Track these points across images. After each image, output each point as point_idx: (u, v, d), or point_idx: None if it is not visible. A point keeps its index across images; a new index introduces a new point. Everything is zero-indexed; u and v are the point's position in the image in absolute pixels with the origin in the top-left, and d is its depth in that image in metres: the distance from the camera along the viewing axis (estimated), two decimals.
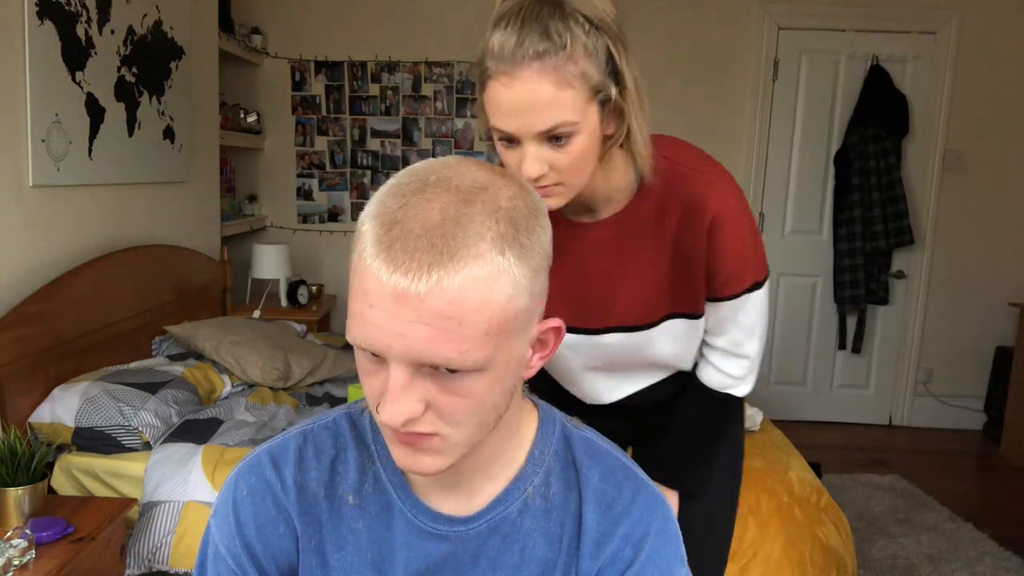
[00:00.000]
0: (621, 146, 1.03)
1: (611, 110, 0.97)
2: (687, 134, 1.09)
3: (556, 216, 1.09)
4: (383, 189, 0.63)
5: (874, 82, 3.95)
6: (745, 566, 2.03)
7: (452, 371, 0.59)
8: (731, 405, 1.27)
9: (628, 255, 1.14)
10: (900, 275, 4.13)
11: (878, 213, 3.96)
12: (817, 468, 2.68)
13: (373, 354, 0.60)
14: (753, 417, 2.49)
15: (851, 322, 4.16)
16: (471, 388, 0.61)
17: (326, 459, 0.75)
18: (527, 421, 0.76)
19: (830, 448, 3.75)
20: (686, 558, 0.76)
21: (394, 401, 0.59)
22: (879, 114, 3.93)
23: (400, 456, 0.65)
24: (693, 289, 1.16)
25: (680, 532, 0.77)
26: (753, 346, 1.22)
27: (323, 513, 0.73)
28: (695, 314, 1.18)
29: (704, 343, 1.25)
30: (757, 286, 1.18)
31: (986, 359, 4.14)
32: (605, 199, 1.12)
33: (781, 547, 2.03)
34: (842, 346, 4.20)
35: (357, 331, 0.59)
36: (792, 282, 4.20)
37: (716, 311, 1.19)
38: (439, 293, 0.56)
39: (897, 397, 4.25)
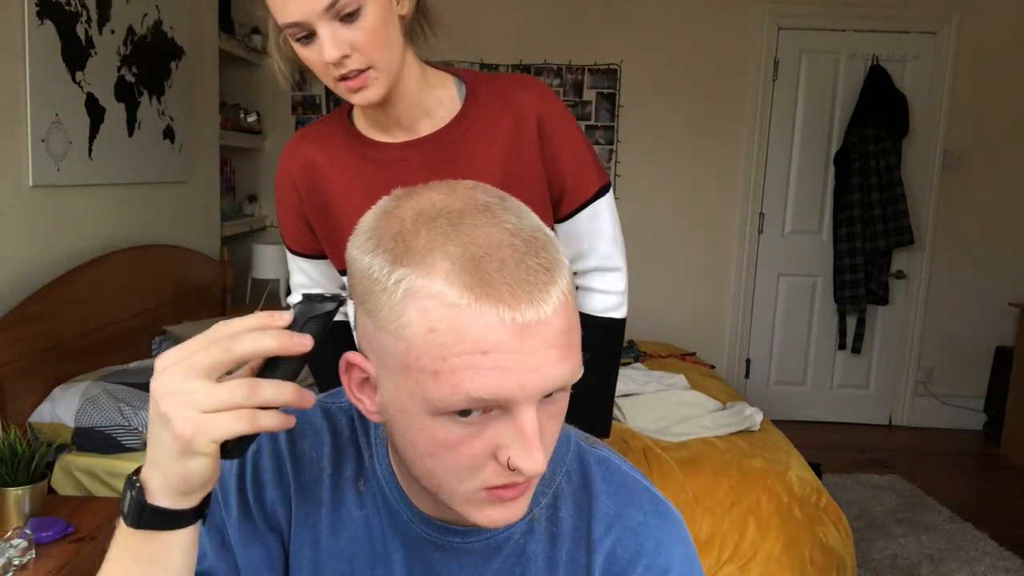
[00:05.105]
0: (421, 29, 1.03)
1: None
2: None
3: (364, 139, 1.09)
4: (417, 247, 0.54)
5: (874, 82, 3.95)
6: (745, 566, 2.03)
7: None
8: (616, 331, 1.27)
9: (452, 175, 1.14)
10: (900, 275, 4.13)
11: (878, 213, 3.96)
12: (817, 468, 2.68)
13: (461, 413, 0.54)
14: (753, 417, 2.49)
15: (851, 322, 4.16)
16: (564, 407, 0.60)
17: (339, 440, 0.72)
18: None
19: (830, 448, 3.75)
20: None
21: (537, 446, 0.55)
22: (879, 114, 3.93)
23: (490, 514, 0.60)
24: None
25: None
26: (621, 257, 1.24)
27: (325, 492, 0.70)
28: None
29: (576, 276, 1.24)
30: (605, 189, 1.19)
31: (986, 359, 4.14)
32: (425, 112, 1.09)
33: (781, 547, 2.03)
34: (842, 346, 4.19)
35: (469, 384, 0.52)
36: (792, 282, 4.20)
37: (575, 229, 1.19)
38: (560, 307, 0.54)
39: (897, 397, 4.25)
